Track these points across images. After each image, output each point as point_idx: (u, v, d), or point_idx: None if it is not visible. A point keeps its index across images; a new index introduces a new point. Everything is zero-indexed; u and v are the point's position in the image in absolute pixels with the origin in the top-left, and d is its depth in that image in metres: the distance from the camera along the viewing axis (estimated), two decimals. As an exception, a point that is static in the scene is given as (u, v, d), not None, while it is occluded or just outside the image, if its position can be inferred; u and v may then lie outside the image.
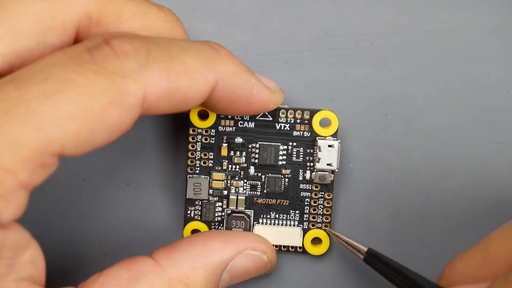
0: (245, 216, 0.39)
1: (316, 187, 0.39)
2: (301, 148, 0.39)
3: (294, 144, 0.39)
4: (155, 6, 0.36)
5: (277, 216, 0.39)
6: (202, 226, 0.40)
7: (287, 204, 0.39)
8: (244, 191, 0.39)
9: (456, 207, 0.40)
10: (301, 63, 0.40)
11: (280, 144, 0.39)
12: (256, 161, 0.39)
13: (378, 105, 0.40)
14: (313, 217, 0.39)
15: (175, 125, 0.40)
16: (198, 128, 0.39)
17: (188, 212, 0.40)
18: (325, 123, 0.39)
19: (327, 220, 0.39)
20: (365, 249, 0.37)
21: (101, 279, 0.34)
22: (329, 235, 0.39)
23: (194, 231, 0.40)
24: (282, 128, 0.39)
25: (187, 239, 0.36)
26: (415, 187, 0.40)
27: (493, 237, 0.33)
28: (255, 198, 0.39)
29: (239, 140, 0.39)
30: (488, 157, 0.40)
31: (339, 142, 0.38)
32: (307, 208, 0.39)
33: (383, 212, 0.40)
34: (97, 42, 0.32)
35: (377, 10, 0.40)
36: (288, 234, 0.39)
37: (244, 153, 0.39)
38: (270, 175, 0.39)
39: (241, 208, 0.39)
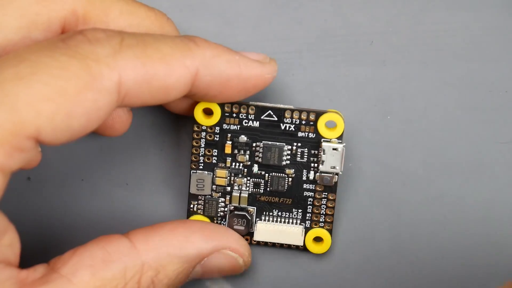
0: (247, 215, 0.39)
1: (319, 187, 0.39)
2: (306, 149, 0.38)
3: (299, 144, 0.38)
4: (144, 6, 0.36)
5: (279, 213, 0.39)
6: (205, 220, 0.39)
7: (290, 203, 0.39)
8: (247, 188, 0.39)
9: (455, 206, 0.40)
10: (301, 63, 0.40)
11: (284, 144, 0.38)
12: (260, 160, 0.39)
13: (377, 105, 0.40)
14: (316, 217, 0.39)
15: (175, 123, 0.40)
16: (202, 126, 0.38)
17: (191, 206, 0.39)
18: (331, 124, 0.38)
19: (329, 220, 0.39)
20: None
21: (76, 257, 0.34)
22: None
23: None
24: (287, 128, 0.38)
25: (169, 225, 0.36)
26: (414, 187, 0.40)
27: None
28: (258, 196, 0.39)
29: (243, 138, 0.38)
30: (487, 157, 0.40)
31: (343, 146, 0.38)
32: (309, 207, 0.39)
33: (382, 212, 0.40)
34: (71, 33, 0.32)
35: (376, 10, 0.40)
36: (289, 233, 0.39)
37: (248, 152, 0.38)
38: (273, 174, 0.39)
39: (243, 205, 0.39)
